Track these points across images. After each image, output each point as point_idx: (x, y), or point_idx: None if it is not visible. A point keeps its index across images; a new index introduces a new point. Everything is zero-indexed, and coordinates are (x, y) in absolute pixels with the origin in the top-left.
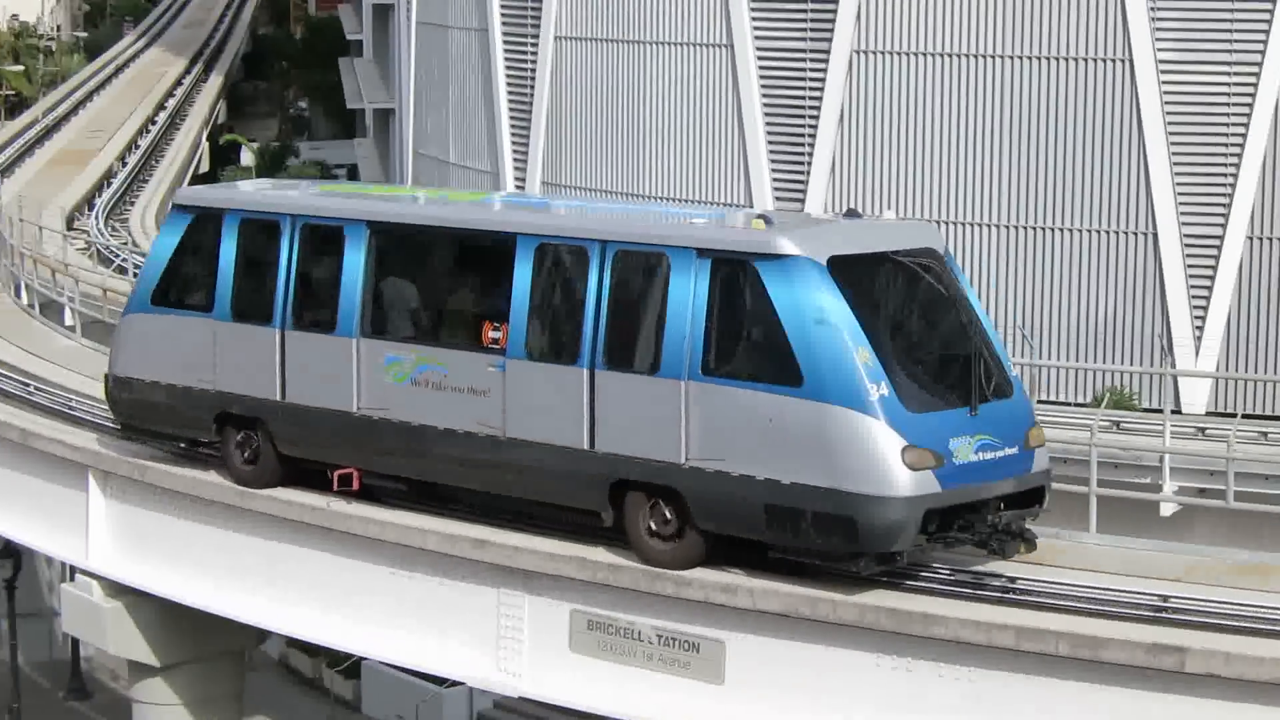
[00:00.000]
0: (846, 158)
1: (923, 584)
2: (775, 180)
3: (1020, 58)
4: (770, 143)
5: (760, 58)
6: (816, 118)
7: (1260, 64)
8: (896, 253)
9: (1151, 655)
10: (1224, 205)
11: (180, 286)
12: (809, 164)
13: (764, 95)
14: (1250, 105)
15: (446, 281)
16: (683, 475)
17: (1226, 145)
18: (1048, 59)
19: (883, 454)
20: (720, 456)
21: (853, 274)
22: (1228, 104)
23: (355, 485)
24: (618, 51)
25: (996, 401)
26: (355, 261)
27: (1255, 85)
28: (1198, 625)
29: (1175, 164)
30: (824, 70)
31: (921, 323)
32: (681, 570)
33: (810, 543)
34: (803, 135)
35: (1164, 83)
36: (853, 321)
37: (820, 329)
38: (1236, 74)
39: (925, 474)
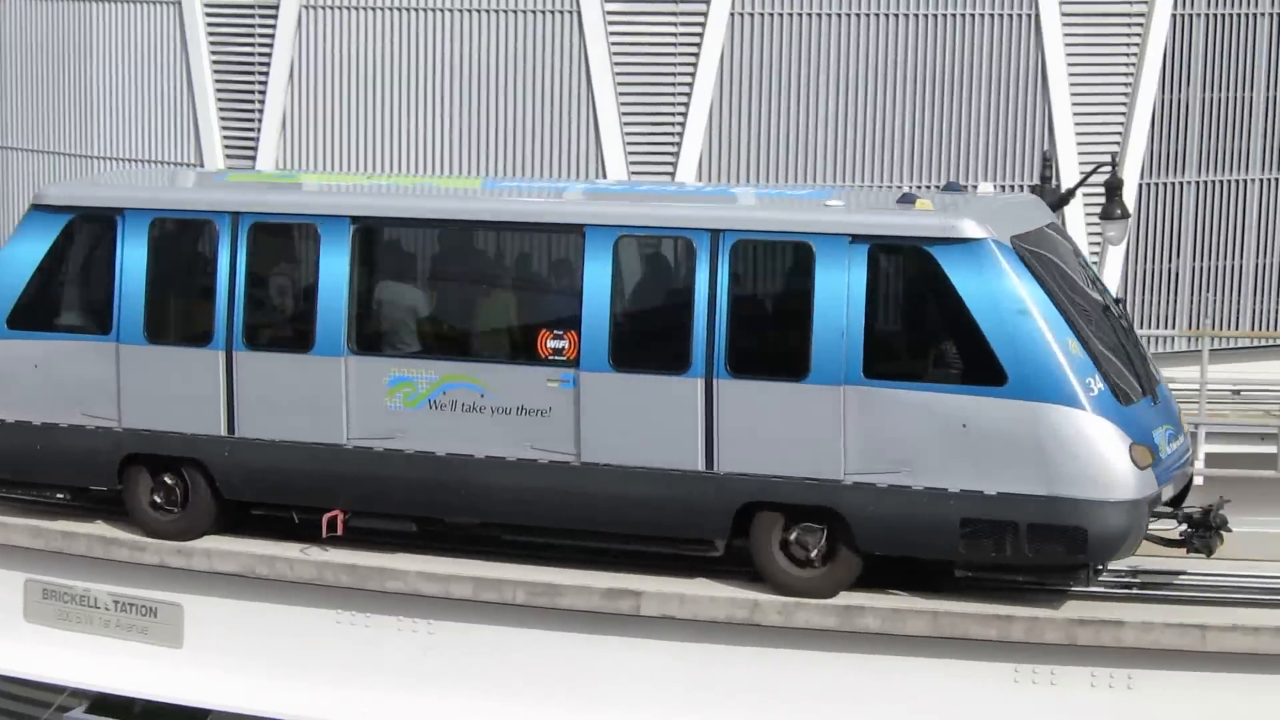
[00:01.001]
0: (297, 116)
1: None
2: (225, 139)
3: (467, 10)
4: (220, 101)
5: (208, 13)
6: (266, 74)
7: (706, 13)
8: (1049, 227)
9: (607, 600)
10: (673, 157)
11: (56, 305)
12: (259, 122)
13: (212, 52)
14: (696, 56)
15: (478, 285)
16: (844, 493)
17: (674, 96)
18: (495, 11)
19: (1111, 454)
20: (894, 469)
21: (1034, 256)
22: (674, 54)
23: (340, 529)
24: (59, 9)
25: (1159, 386)
26: (336, 265)
27: (701, 35)
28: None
29: (624, 116)
30: (273, 26)
31: (1089, 305)
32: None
33: (1021, 558)
34: (252, 93)
35: (611, 33)
36: (1052, 309)
37: (1022, 320)
38: (683, 23)
39: (1148, 472)
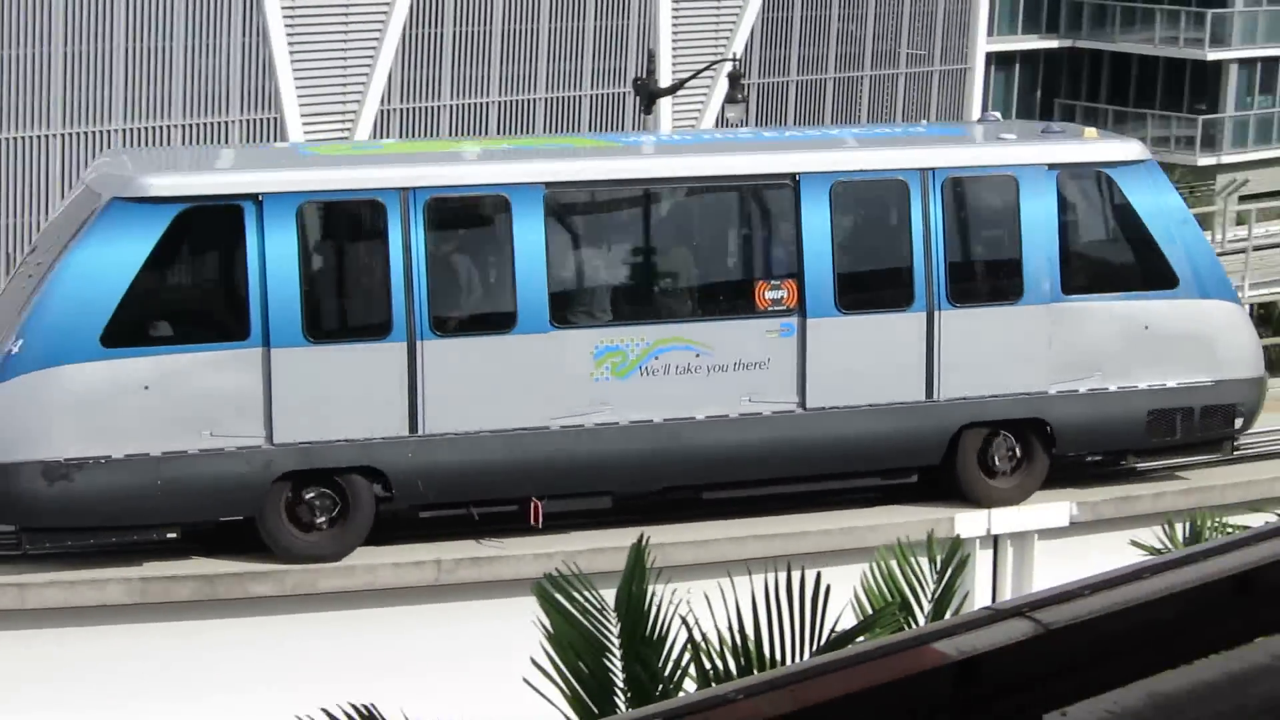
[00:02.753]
0: None
1: None
2: None
3: None
4: None
5: None
6: None
7: None
8: None
9: None
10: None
11: (169, 313)
12: None
13: None
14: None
15: (685, 244)
16: (1050, 403)
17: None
18: None
19: (1254, 338)
20: (1091, 375)
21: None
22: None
23: (538, 519)
24: None
25: None
26: (532, 237)
27: None
28: None
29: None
30: None
31: None
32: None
33: (1191, 437)
34: None
35: None
36: (1195, 220)
37: (1186, 229)
38: None
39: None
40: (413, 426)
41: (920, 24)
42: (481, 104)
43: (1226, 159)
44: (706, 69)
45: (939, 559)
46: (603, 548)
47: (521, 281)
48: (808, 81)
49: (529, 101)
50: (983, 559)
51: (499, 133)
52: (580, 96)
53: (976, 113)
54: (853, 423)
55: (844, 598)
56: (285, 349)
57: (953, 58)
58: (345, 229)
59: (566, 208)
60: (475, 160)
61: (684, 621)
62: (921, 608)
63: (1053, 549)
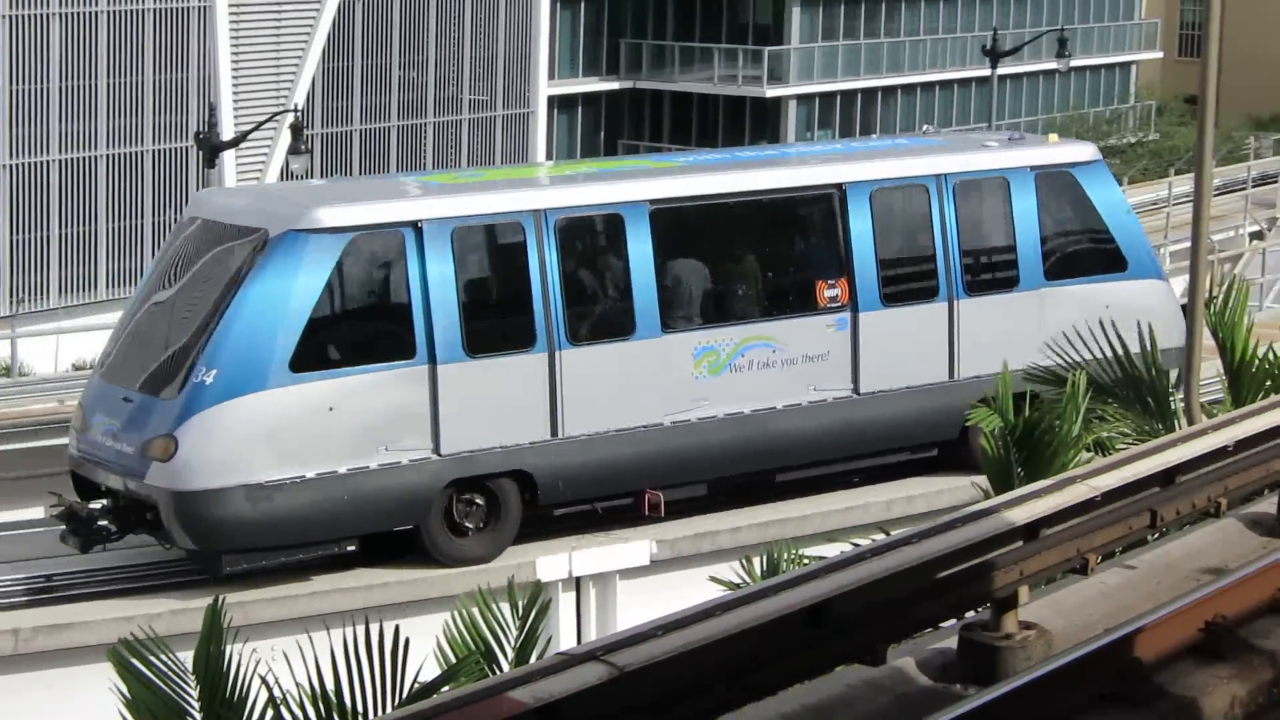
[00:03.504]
0: None
1: None
2: None
3: None
4: None
5: None
6: None
7: None
8: None
9: None
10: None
11: (347, 336)
12: None
13: None
14: None
15: (758, 251)
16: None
17: None
18: None
19: (1180, 313)
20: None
21: None
22: None
23: (658, 509)
24: None
25: None
26: (641, 250)
27: None
28: None
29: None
30: None
31: None
32: None
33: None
34: None
35: None
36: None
37: (1129, 219)
38: None
39: None
40: (554, 430)
41: (482, 70)
42: (41, 163)
43: None
44: (268, 120)
45: (521, 604)
46: (184, 608)
47: (637, 291)
48: (371, 130)
49: (88, 159)
50: (566, 602)
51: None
52: (142, 152)
53: (542, 155)
54: (896, 404)
55: (427, 647)
56: (449, 365)
57: (516, 102)
58: (492, 250)
59: (667, 223)
60: (591, 182)
61: (264, 681)
62: (505, 655)
63: (636, 588)
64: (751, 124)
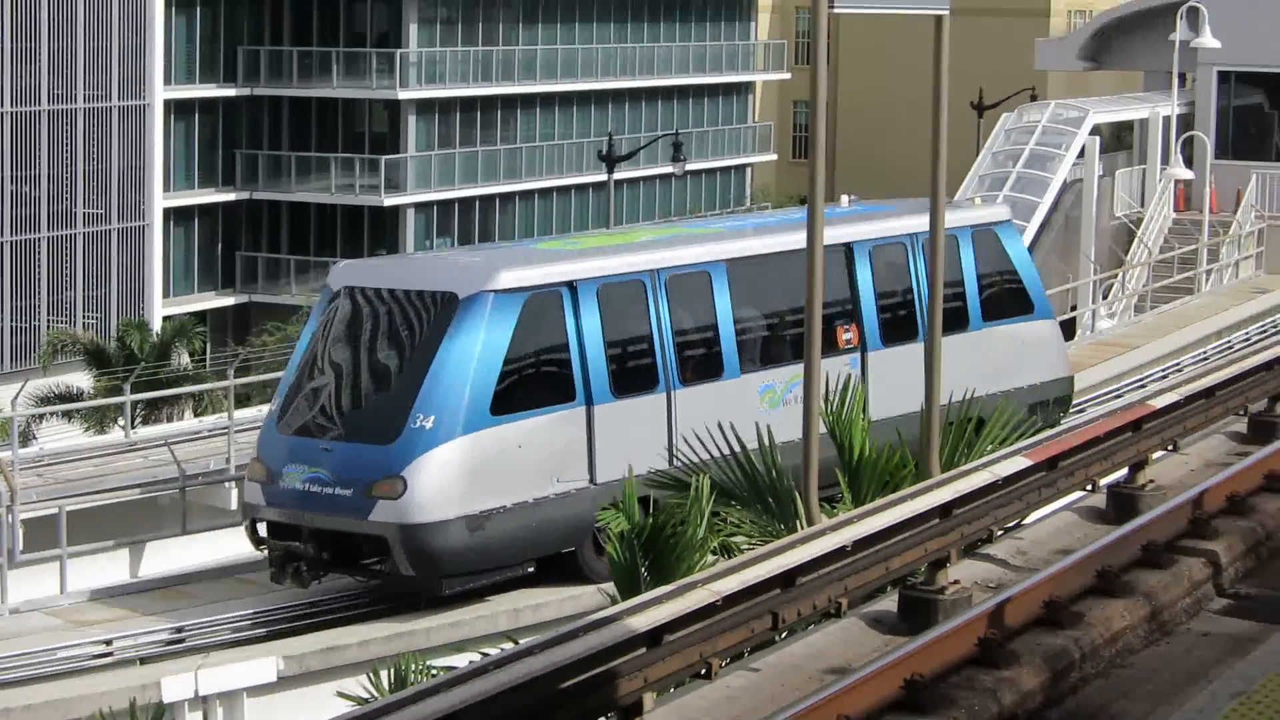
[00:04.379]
0: None
1: None
2: None
3: None
4: None
5: None
6: None
7: None
8: None
9: None
10: None
11: (528, 383)
12: None
13: None
14: None
15: (800, 300)
16: (979, 405)
17: None
18: None
19: (1066, 347)
20: (998, 380)
21: None
22: None
23: None
24: None
25: None
26: (724, 302)
27: None
28: None
29: None
30: None
31: None
32: None
33: (1049, 421)
34: None
35: None
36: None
37: (1031, 268)
38: None
39: None
40: (670, 460)
41: (96, 182)
42: None
43: None
44: None
45: None
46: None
47: (723, 338)
48: None
49: None
50: None
51: None
52: None
53: (159, 267)
54: (900, 429)
55: None
56: (601, 405)
57: (131, 215)
58: (625, 305)
59: (738, 278)
60: (685, 244)
61: None
62: None
63: (264, 706)
64: (370, 232)
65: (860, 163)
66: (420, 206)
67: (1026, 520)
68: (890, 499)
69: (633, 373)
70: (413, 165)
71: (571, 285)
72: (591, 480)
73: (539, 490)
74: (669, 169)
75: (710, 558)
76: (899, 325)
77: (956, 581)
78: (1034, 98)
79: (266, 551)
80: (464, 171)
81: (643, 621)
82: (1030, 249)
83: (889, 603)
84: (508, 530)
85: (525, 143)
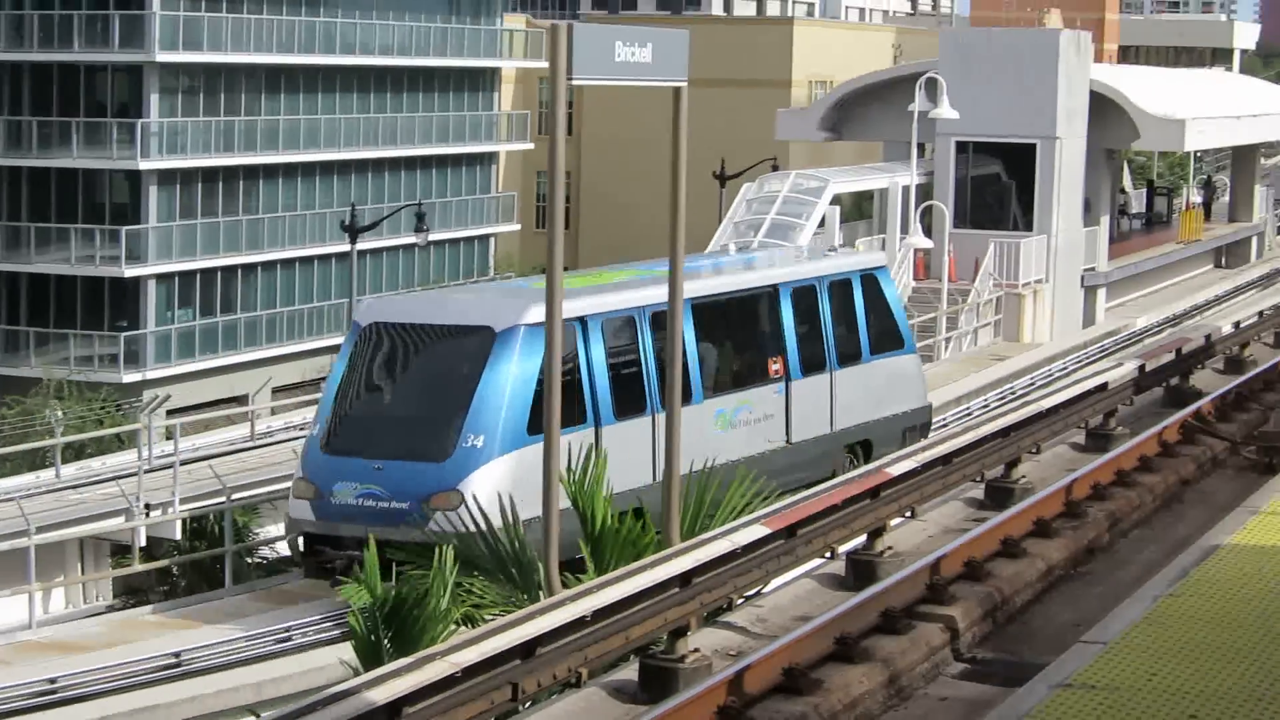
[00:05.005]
0: None
1: None
2: None
3: None
4: None
5: None
6: None
7: None
8: None
9: None
10: None
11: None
12: None
13: None
14: None
15: (740, 333)
16: (870, 428)
17: None
18: None
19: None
20: (882, 407)
21: None
22: None
23: None
24: None
25: None
26: (690, 336)
27: None
28: None
29: None
30: None
31: None
32: None
33: (914, 442)
34: None
35: None
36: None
37: (901, 307)
38: None
39: None
40: (654, 475)
41: None
42: None
43: (151, 374)
44: None
45: None
46: None
47: (691, 368)
48: None
49: None
50: None
51: None
52: None
53: None
54: (811, 449)
55: None
56: (607, 426)
57: None
58: (621, 337)
59: (700, 315)
60: (659, 284)
61: None
62: None
63: None
64: (110, 304)
65: (604, 232)
66: (162, 277)
67: (766, 588)
68: (630, 568)
69: (628, 398)
70: (154, 236)
71: (583, 320)
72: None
73: (563, 502)
74: (413, 239)
75: (453, 628)
76: (814, 357)
77: (697, 650)
78: (775, 167)
79: (305, 562)
80: (206, 242)
81: (382, 694)
82: None
83: (630, 672)
84: (539, 538)
85: (268, 213)
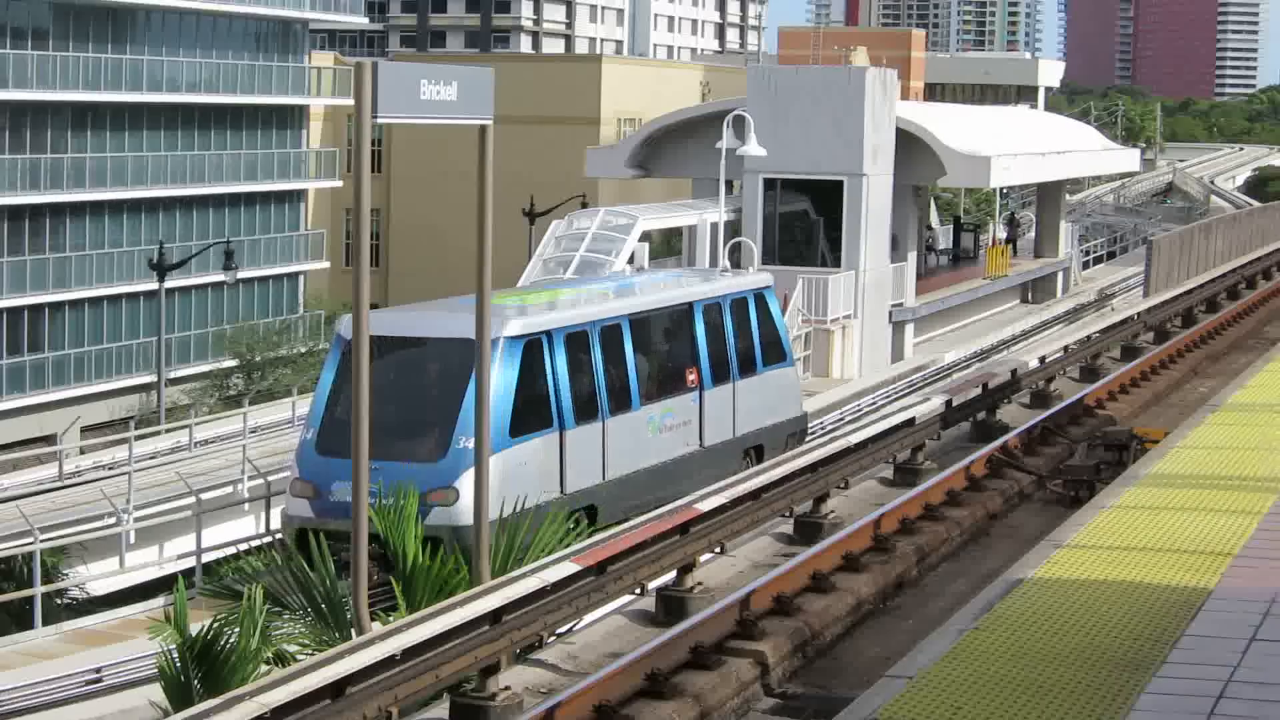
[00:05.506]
0: None
1: None
2: None
3: None
4: None
5: None
6: None
7: None
8: None
9: None
10: None
11: (530, 413)
12: None
13: None
14: None
15: (661, 347)
16: (762, 434)
17: None
18: None
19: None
20: (771, 415)
21: None
22: None
23: None
24: None
25: None
26: (629, 349)
27: None
28: None
29: None
30: None
31: None
32: None
33: (794, 446)
34: None
35: None
36: None
37: (783, 326)
38: None
39: None
40: (603, 475)
41: None
42: None
43: None
44: None
45: None
46: None
47: (631, 378)
48: None
49: None
50: None
51: None
52: None
53: None
54: (719, 453)
55: None
56: (569, 430)
57: None
58: (579, 349)
59: (636, 329)
60: (604, 301)
61: None
62: None
63: None
64: None
65: (414, 269)
66: None
67: (578, 625)
68: (440, 606)
69: (584, 405)
70: None
71: (549, 333)
72: (562, 490)
73: (535, 498)
74: (221, 277)
75: (264, 668)
76: (721, 368)
77: (508, 688)
78: (585, 204)
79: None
80: (13, 280)
81: None
82: None
83: (441, 710)
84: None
85: (76, 251)
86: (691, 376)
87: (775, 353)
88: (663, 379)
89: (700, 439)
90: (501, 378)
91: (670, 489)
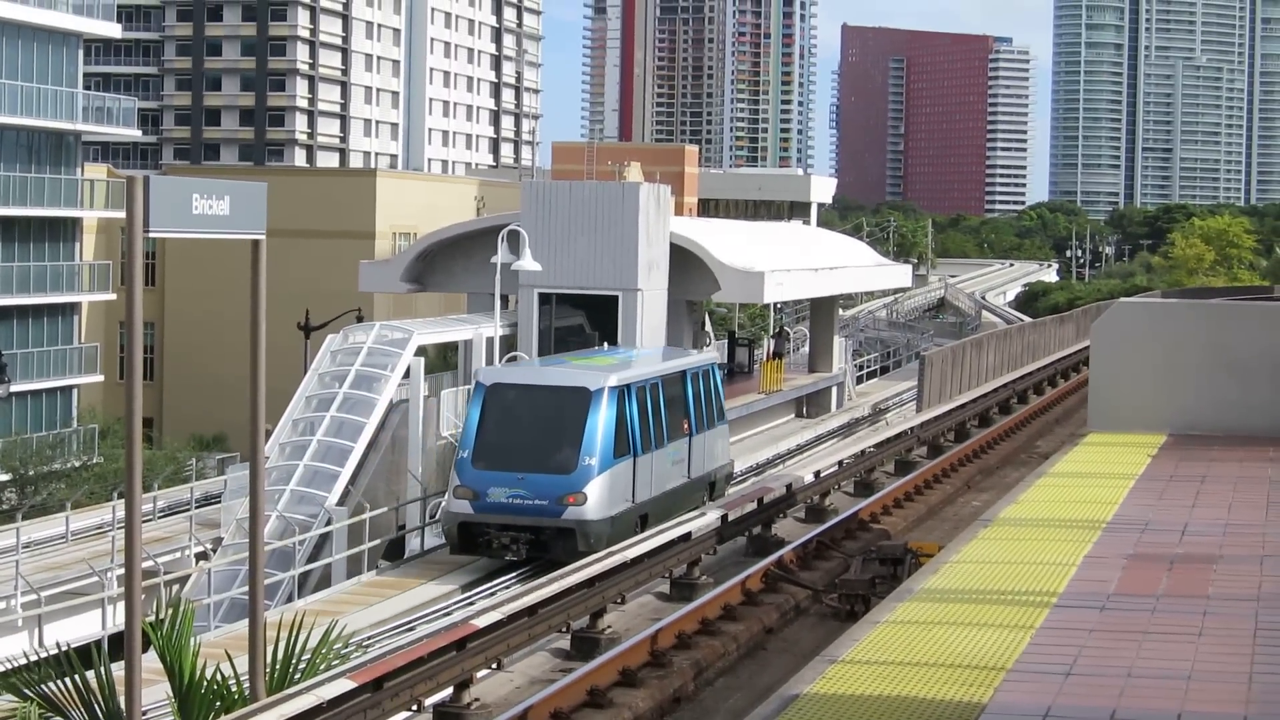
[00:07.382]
0: None
1: None
2: None
3: None
4: None
5: None
6: None
7: None
8: None
9: None
10: None
11: (620, 442)
12: None
13: None
14: None
15: (672, 401)
16: (714, 473)
17: None
18: None
19: None
20: (716, 465)
21: None
22: None
23: None
24: None
25: None
26: (660, 400)
27: None
28: None
29: None
30: None
31: None
32: None
33: (721, 492)
34: None
35: None
36: None
37: (720, 392)
38: None
39: None
40: (650, 491)
41: None
42: None
43: None
44: None
45: None
46: None
47: (664, 422)
48: None
49: None
50: None
51: None
52: None
53: None
54: (697, 484)
55: None
56: (639, 457)
57: None
58: (643, 399)
59: (666, 387)
60: (648, 364)
61: None
62: None
63: None
64: None
65: (191, 381)
66: None
67: None
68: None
69: (644, 439)
70: None
71: (629, 386)
72: (633, 500)
73: (625, 504)
74: None
75: None
76: (699, 420)
77: None
78: (360, 318)
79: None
80: None
81: None
82: (357, 472)
83: None
84: (620, 525)
85: None
86: (685, 425)
87: (719, 413)
88: (672, 425)
89: (688, 473)
90: (607, 415)
91: (676, 508)
